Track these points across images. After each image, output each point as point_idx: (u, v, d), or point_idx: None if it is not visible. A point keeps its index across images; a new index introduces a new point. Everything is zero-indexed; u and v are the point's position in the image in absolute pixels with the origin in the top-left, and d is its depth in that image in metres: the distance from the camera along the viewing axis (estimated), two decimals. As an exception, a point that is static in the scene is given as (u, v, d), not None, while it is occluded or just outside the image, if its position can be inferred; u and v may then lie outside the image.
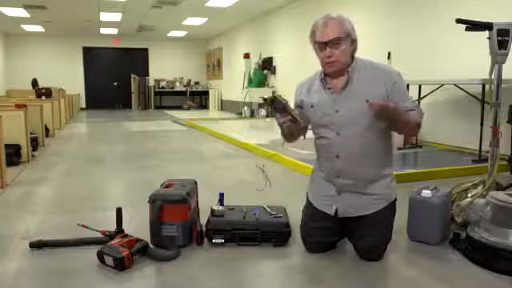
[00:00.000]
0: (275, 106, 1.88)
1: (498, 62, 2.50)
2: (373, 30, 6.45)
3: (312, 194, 2.16)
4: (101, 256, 1.95)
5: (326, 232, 2.07)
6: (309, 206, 2.16)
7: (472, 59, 4.58)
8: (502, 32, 2.47)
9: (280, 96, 1.89)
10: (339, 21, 1.90)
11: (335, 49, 1.89)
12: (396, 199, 2.06)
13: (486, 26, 2.50)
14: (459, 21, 2.61)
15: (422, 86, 5.09)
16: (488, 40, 2.50)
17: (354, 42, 1.95)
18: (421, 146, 5.24)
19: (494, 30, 2.47)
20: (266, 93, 10.45)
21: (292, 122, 1.91)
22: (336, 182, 2.02)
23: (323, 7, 7.81)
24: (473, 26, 2.62)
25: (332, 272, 1.92)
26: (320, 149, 2.08)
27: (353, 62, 1.96)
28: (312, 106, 2.03)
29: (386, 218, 2.02)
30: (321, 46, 1.91)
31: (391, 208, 2.04)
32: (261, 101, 10.73)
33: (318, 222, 2.08)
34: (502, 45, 2.47)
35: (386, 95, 1.90)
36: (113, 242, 2.03)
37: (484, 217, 2.05)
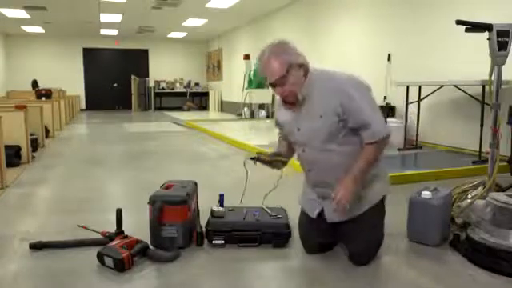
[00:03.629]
0: (263, 162, 2.13)
1: (497, 63, 2.50)
2: (372, 32, 6.44)
3: (302, 196, 2.19)
4: (101, 257, 1.95)
5: (321, 234, 2.08)
6: (304, 207, 2.19)
7: (472, 60, 4.58)
8: (502, 33, 2.47)
9: (260, 153, 2.14)
10: (276, 58, 1.87)
11: (283, 85, 1.89)
12: (384, 198, 2.03)
13: (485, 27, 2.50)
14: (459, 22, 2.61)
15: (422, 87, 5.09)
16: (488, 41, 2.50)
17: (301, 66, 1.90)
18: (421, 147, 5.24)
19: (494, 31, 2.47)
20: (265, 94, 10.45)
21: (283, 162, 2.12)
22: (316, 191, 2.06)
23: (323, 8, 7.80)
24: (473, 27, 2.62)
25: (332, 273, 1.92)
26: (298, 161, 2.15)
27: (306, 80, 1.91)
28: (283, 125, 2.10)
29: (371, 220, 1.98)
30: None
31: (377, 209, 2.00)
32: (261, 101, 10.65)
33: (312, 224, 2.09)
34: (502, 46, 2.47)
35: (340, 108, 1.83)
36: (113, 243, 2.03)
37: (484, 218, 2.05)
